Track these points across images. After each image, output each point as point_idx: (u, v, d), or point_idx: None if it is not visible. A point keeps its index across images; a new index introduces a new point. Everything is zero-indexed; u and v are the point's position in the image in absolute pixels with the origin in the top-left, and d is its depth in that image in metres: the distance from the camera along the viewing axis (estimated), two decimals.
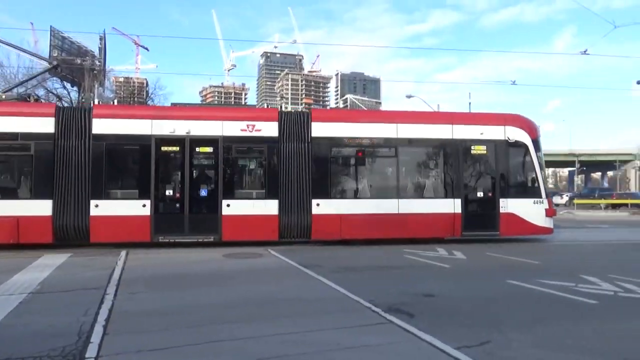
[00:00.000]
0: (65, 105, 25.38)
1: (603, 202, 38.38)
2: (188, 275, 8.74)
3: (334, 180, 13.34)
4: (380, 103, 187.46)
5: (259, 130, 12.79)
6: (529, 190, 13.84)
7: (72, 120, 12.09)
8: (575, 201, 38.56)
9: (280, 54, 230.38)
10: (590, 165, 75.92)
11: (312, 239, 12.94)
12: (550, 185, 65.50)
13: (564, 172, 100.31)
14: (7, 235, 11.41)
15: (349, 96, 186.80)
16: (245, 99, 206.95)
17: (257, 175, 13.55)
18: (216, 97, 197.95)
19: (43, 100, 22.23)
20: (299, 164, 12.83)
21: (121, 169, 13.09)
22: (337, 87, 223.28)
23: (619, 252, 12.56)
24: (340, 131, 13.25)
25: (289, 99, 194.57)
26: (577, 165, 61.33)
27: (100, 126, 12.12)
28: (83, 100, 15.93)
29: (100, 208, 11.87)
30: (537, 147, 14.00)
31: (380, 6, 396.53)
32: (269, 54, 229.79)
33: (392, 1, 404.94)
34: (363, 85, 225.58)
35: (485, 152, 13.73)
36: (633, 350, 4.48)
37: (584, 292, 6.95)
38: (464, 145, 13.60)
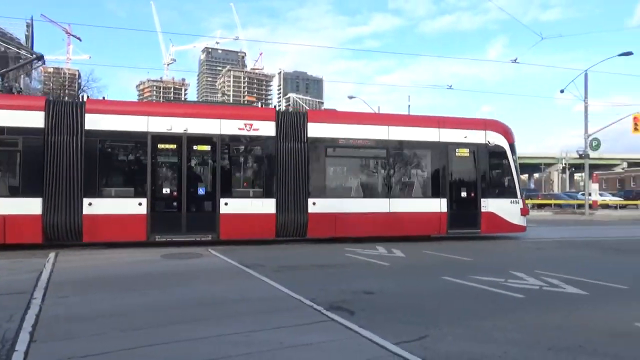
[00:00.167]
0: None
1: (530, 202, 40.82)
2: (123, 277, 8.38)
3: (329, 179, 13.85)
4: (322, 103, 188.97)
5: (257, 129, 12.87)
6: (506, 190, 14.91)
7: (63, 115, 11.57)
8: None
9: (222, 50, 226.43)
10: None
11: (308, 237, 13.19)
12: None
13: None
14: None
15: (291, 95, 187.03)
16: (186, 94, 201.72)
17: (254, 174, 13.61)
18: (154, 92, 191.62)
19: None
20: (296, 164, 13.02)
21: (116, 166, 12.76)
22: (279, 85, 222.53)
23: (544, 249, 13.40)
24: (335, 132, 13.62)
25: (231, 96, 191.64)
26: None
27: (94, 122, 11.70)
28: (1, 90, 14.76)
29: (94, 206, 11.49)
30: (513, 150, 15.09)
31: (323, 7, 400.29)
32: (210, 50, 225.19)
33: (335, 2, 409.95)
34: (306, 84, 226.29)
35: (468, 154, 14.65)
36: (556, 340, 4.80)
37: (512, 287, 7.36)
38: (449, 148, 14.40)
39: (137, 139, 12.13)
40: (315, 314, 5.69)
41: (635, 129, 28.97)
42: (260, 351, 4.36)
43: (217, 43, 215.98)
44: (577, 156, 35.56)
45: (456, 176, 14.57)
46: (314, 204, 13.08)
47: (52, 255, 10.34)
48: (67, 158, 11.44)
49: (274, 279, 7.81)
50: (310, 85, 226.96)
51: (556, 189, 73.29)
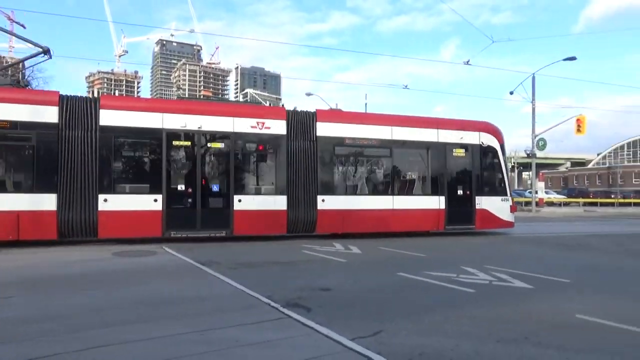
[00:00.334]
0: None
1: None
2: (72, 275, 8.06)
3: (337, 177, 14.20)
4: (280, 99, 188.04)
5: (269, 127, 13.10)
6: (498, 189, 15.90)
7: (78, 110, 11.41)
8: None
9: (177, 42, 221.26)
10: None
11: (317, 233, 13.65)
12: None
13: None
14: (5, 231, 10.46)
15: (249, 90, 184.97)
16: (139, 88, 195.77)
17: (266, 172, 13.72)
18: (105, 85, 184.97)
19: None
20: (306, 162, 13.40)
21: (131, 162, 12.64)
22: (237, 80, 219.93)
23: (493, 244, 13.92)
24: (342, 131, 14.05)
25: (186, 90, 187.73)
26: None
27: (108, 118, 11.58)
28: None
29: (110, 203, 11.42)
30: (503, 151, 16.15)
31: (281, 2, 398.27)
32: (164, 42, 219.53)
33: None
34: (263, 80, 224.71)
35: (464, 154, 15.49)
36: (504, 332, 5.00)
37: (463, 282, 7.61)
38: (447, 148, 15.20)
39: (152, 136, 12.20)
40: (272, 312, 5.67)
41: (579, 130, 30.51)
42: (216, 350, 4.30)
43: (172, 35, 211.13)
44: (525, 155, 37.09)
45: (453, 175, 15.45)
46: (323, 201, 13.53)
47: None
48: (82, 154, 11.39)
49: (230, 277, 7.73)
50: (268, 81, 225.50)
51: None
